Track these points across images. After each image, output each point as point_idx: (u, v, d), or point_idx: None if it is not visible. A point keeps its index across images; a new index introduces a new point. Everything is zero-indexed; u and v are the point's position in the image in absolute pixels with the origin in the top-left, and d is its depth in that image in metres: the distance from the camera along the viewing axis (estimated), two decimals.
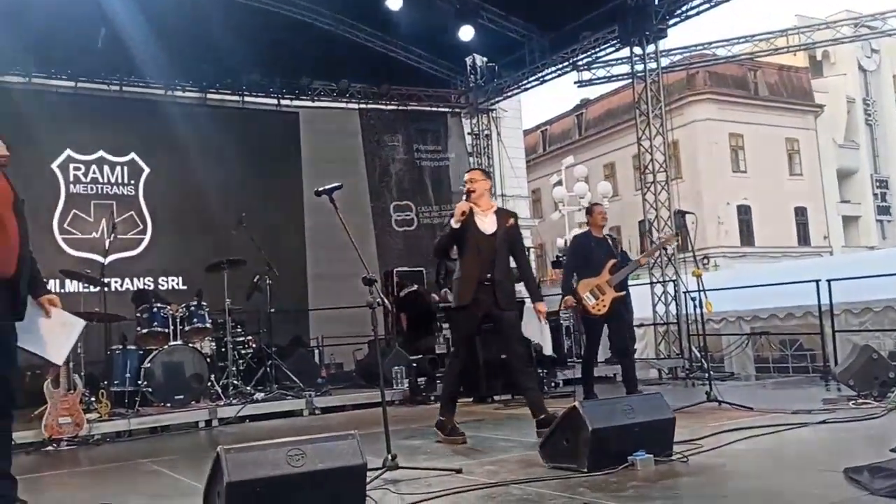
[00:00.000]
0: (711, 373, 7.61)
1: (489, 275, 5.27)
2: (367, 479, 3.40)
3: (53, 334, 3.76)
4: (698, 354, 10.11)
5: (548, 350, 10.05)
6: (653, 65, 10.91)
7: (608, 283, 6.62)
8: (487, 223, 5.36)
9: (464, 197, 5.39)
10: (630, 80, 11.65)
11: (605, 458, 3.77)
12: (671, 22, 10.63)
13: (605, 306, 6.63)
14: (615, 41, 11.25)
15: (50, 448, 6.34)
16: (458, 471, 4.02)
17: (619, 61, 11.86)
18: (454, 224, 5.29)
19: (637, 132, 11.08)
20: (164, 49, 10.67)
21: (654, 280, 10.98)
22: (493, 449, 4.92)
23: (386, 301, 4.44)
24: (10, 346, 3.64)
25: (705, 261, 26.41)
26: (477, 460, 4.45)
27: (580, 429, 3.79)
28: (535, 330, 5.33)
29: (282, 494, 3.08)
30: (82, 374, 7.18)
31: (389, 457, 4.08)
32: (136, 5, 9.79)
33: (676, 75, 25.92)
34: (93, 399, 7.32)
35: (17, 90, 10.57)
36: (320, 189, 4.57)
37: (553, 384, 8.69)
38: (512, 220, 5.50)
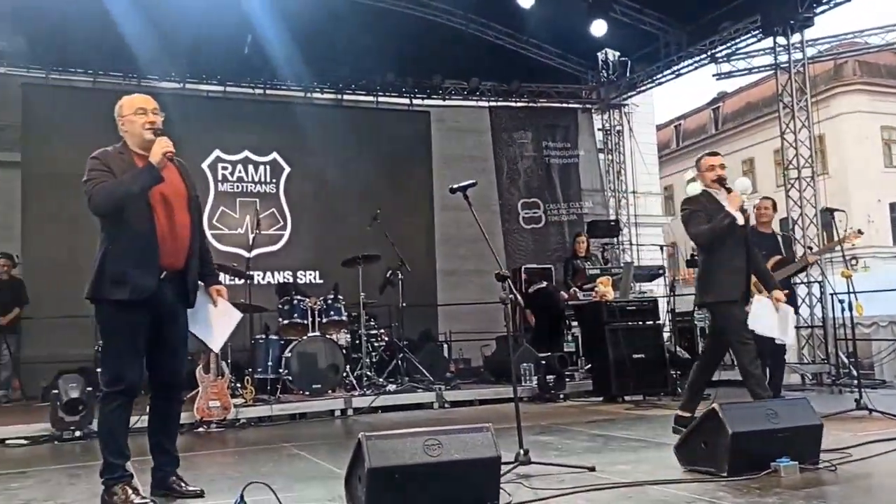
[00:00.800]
0: (861, 380, 7.17)
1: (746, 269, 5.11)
2: (501, 473, 3.44)
3: (216, 322, 4.01)
4: (846, 360, 9.55)
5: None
6: (798, 55, 10.36)
7: None
8: (738, 214, 5.09)
9: (722, 185, 5.13)
10: (772, 72, 11.12)
11: (745, 464, 3.64)
12: (818, 10, 10.05)
13: None
14: (757, 31, 10.75)
15: (200, 429, 6.78)
16: (592, 469, 4.00)
17: (761, 52, 11.32)
18: (736, 214, 4.98)
19: (780, 126, 10.56)
20: (303, 53, 11.15)
21: (799, 281, 10.44)
22: (626, 449, 4.85)
23: (519, 297, 4.46)
24: (187, 330, 3.93)
25: (854, 261, 24.81)
26: (609, 459, 4.40)
27: (719, 432, 3.68)
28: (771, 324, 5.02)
29: (418, 482, 3.17)
30: (229, 361, 7.61)
31: (521, 451, 4.11)
32: (279, 13, 10.26)
33: (822, 65, 24.43)
34: (238, 385, 7.77)
35: (172, 95, 11.30)
36: (455, 186, 4.65)
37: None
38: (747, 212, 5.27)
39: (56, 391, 6.55)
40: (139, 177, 3.62)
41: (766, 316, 5.10)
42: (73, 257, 9.74)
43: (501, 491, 3.37)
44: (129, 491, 3.59)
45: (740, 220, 5.03)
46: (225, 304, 4.01)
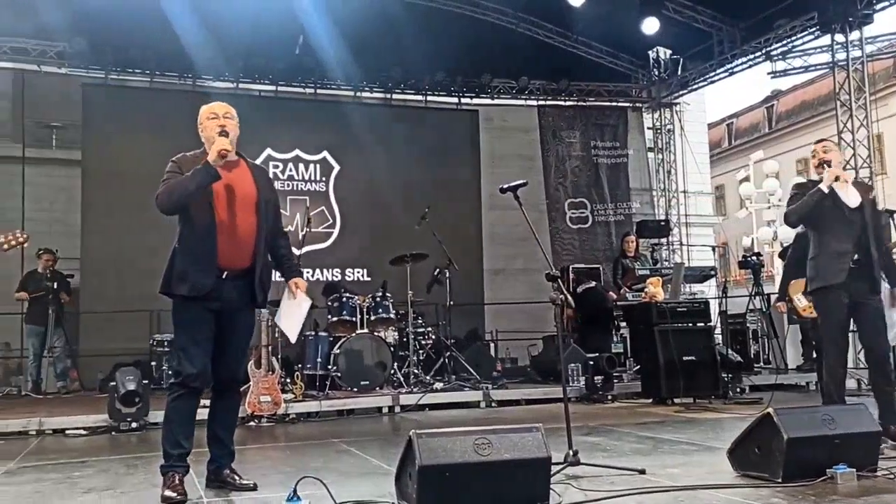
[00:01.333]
0: None
1: (857, 255, 4.77)
2: (551, 473, 3.44)
3: (291, 314, 4.12)
4: None
5: None
6: (856, 53, 10.14)
7: None
8: (850, 196, 4.83)
9: (821, 167, 4.87)
10: (829, 70, 10.87)
11: (801, 470, 3.58)
12: (878, 6, 9.82)
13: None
14: (814, 28, 10.54)
15: (252, 423, 6.91)
16: (642, 471, 3.97)
17: (818, 50, 11.09)
18: (825, 188, 4.72)
19: (837, 125, 10.34)
20: (353, 53, 11.28)
21: None
22: (676, 452, 4.80)
23: (570, 298, 4.44)
24: (251, 329, 4.05)
25: None
26: (659, 462, 4.36)
27: (774, 437, 3.62)
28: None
29: (468, 481, 3.19)
30: (279, 357, 7.73)
31: (571, 452, 4.10)
32: (330, 14, 10.39)
33: (882, 63, 23.76)
34: (288, 381, 7.89)
35: (226, 95, 11.53)
36: (505, 186, 4.65)
37: (738, 390, 8.31)
38: (873, 194, 4.99)
39: (114, 383, 6.74)
40: (196, 175, 3.71)
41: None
42: (130, 253, 10.03)
43: (551, 491, 3.37)
44: (176, 481, 3.68)
45: (826, 188, 4.71)
46: (300, 296, 4.10)
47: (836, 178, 4.73)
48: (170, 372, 3.91)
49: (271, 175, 11.59)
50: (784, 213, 4.99)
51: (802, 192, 4.90)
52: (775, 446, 3.61)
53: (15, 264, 10.91)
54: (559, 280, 4.33)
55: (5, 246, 4.69)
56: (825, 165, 4.86)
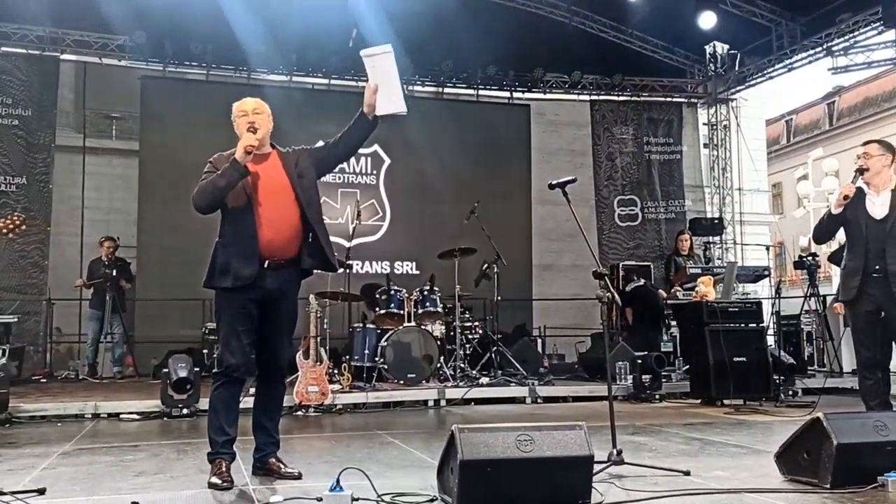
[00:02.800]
0: None
1: (878, 266, 4.78)
2: (593, 472, 3.43)
3: (386, 83, 4.02)
4: None
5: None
6: None
7: None
8: (878, 206, 4.82)
9: (854, 175, 4.92)
10: (893, 67, 10.54)
11: (850, 476, 3.49)
12: None
13: None
14: (878, 24, 10.22)
15: (299, 413, 7.01)
16: (687, 473, 3.92)
17: (882, 45, 10.76)
18: (834, 211, 4.82)
19: None
20: (405, 47, 11.27)
21: None
22: (723, 454, 4.73)
23: (616, 296, 4.40)
24: (294, 319, 4.10)
25: None
26: (706, 464, 4.30)
27: (824, 442, 3.54)
28: None
29: (510, 476, 3.19)
30: (327, 348, 7.83)
31: (615, 451, 4.07)
32: (382, 7, 10.44)
33: None
34: (336, 371, 7.99)
35: (279, 88, 11.73)
36: (554, 182, 4.63)
37: (791, 393, 8.13)
38: None
39: (166, 370, 6.90)
40: (225, 172, 3.80)
41: None
42: (184, 243, 10.25)
43: (593, 490, 3.35)
44: (223, 468, 3.76)
45: (835, 211, 4.84)
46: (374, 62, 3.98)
47: (846, 197, 4.78)
48: (215, 361, 3.97)
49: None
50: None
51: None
52: (825, 452, 3.53)
53: (74, 251, 11.30)
54: (606, 278, 4.29)
55: (4, 230, 4.83)
56: (859, 174, 4.80)
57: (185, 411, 6.76)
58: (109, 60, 11.51)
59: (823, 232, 5.05)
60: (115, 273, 9.99)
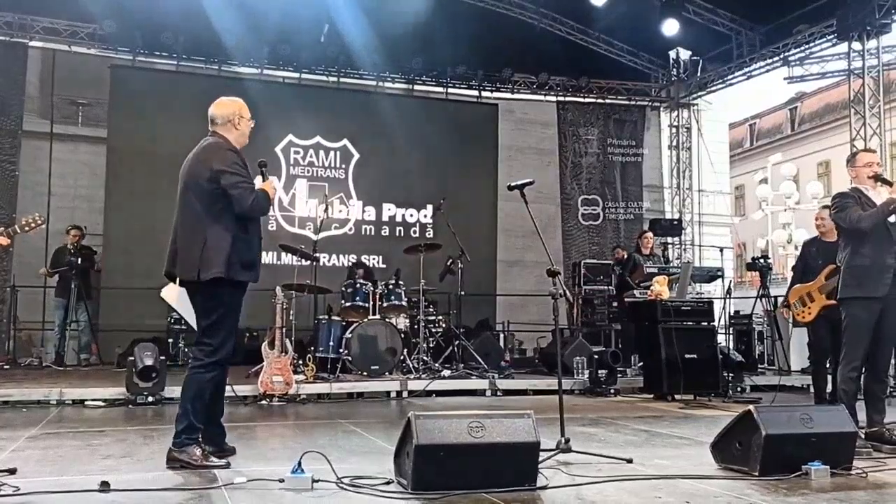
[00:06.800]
0: None
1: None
2: (541, 459, 3.65)
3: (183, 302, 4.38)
4: None
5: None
6: (873, 61, 10.20)
7: (820, 290, 6.34)
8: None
9: (872, 182, 4.98)
10: (845, 77, 10.95)
11: (777, 465, 3.76)
12: None
13: (809, 314, 6.40)
14: (832, 36, 10.63)
15: (263, 402, 7.14)
16: (629, 460, 4.17)
17: (836, 57, 11.18)
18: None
19: (850, 132, 10.42)
20: (377, 43, 11.49)
21: None
22: (667, 445, 4.99)
23: (568, 293, 4.63)
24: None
25: None
26: (650, 453, 4.55)
27: (754, 433, 3.80)
28: None
29: (462, 460, 3.41)
30: (293, 339, 7.97)
31: (563, 440, 4.31)
32: (355, 4, 10.59)
33: None
34: (301, 362, 8.13)
35: (252, 80, 11.79)
36: (512, 184, 4.84)
37: (739, 389, 8.46)
38: None
39: (132, 358, 6.99)
40: (268, 203, 4.25)
41: None
42: (151, 232, 10.28)
43: (539, 474, 3.58)
44: (206, 450, 4.00)
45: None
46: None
47: None
48: (206, 350, 4.15)
49: (292, 161, 11.98)
50: (854, 220, 4.91)
51: (850, 201, 4.98)
52: (754, 442, 3.79)
53: (39, 238, 11.26)
54: (558, 275, 4.52)
55: (27, 228, 4.97)
56: (881, 181, 4.96)
57: (150, 399, 6.86)
58: (79, 48, 11.50)
59: (882, 220, 4.87)
60: (80, 262, 10.02)
